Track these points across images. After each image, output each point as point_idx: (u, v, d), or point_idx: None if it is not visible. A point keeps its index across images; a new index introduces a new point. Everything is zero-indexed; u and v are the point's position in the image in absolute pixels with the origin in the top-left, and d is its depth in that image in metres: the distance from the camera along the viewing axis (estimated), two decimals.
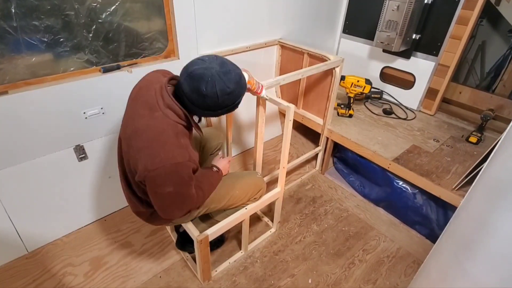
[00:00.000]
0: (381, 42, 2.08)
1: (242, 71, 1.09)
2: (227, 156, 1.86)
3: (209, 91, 0.95)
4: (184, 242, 1.58)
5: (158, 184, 0.99)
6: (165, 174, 0.97)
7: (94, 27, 1.38)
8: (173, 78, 1.11)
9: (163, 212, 1.08)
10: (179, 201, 1.06)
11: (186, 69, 0.99)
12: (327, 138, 2.11)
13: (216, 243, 1.66)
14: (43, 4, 1.23)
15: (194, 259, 1.54)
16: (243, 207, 1.45)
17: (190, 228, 1.34)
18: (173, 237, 1.71)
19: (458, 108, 2.31)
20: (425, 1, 1.97)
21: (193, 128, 1.12)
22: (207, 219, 1.49)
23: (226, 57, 1.88)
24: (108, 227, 1.77)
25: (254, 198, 1.45)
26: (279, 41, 2.13)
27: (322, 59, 1.86)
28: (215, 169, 1.33)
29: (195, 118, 1.14)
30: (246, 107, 2.17)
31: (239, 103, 1.09)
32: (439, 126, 2.12)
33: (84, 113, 1.48)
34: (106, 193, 1.76)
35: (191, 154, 1.04)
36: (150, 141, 0.98)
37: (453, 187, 1.55)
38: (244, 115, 2.22)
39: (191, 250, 1.59)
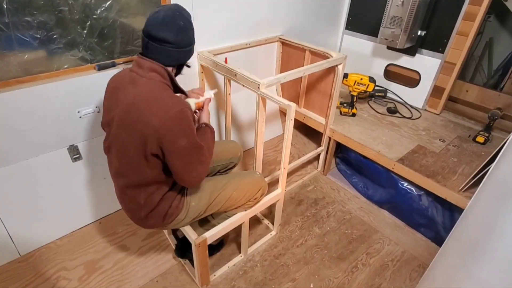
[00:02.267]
0: (385, 39, 2.08)
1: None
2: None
3: (185, 22, 1.08)
4: (185, 249, 1.57)
5: (172, 140, 1.02)
6: (173, 125, 1.01)
7: (88, 23, 1.38)
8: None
9: (188, 174, 1.10)
10: (196, 153, 1.09)
11: (154, 25, 1.06)
12: (330, 138, 2.12)
13: (216, 247, 1.67)
14: None
15: (192, 263, 1.54)
16: (244, 208, 1.44)
17: (188, 231, 1.34)
18: (170, 240, 1.71)
19: (464, 107, 2.31)
20: None
21: (176, 87, 1.16)
22: (205, 223, 1.49)
23: (225, 54, 1.89)
24: (103, 229, 1.77)
25: (255, 199, 1.44)
26: (279, 38, 2.12)
27: (324, 56, 1.86)
28: (203, 125, 1.29)
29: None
30: (245, 106, 2.19)
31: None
32: (445, 125, 2.12)
33: (78, 112, 1.48)
34: (101, 195, 1.76)
35: (184, 102, 1.10)
36: (145, 105, 1.02)
37: (460, 188, 1.55)
38: (244, 114, 2.22)
39: (191, 257, 1.59)
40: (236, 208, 1.42)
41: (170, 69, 1.13)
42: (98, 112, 1.54)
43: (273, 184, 2.02)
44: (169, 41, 1.06)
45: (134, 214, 1.24)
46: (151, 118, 1.00)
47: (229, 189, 1.35)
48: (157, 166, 1.11)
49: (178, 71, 1.22)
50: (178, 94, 1.16)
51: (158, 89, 1.06)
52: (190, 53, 1.16)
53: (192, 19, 1.13)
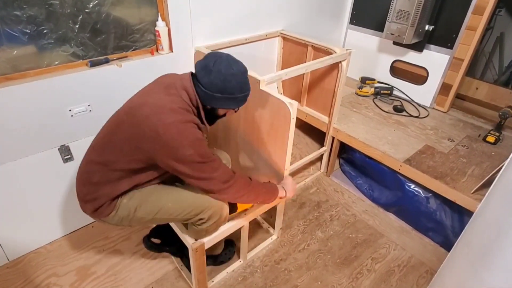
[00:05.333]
0: (391, 34, 2.08)
1: None
2: None
3: (216, 67, 1.10)
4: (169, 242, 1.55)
5: (175, 148, 1.05)
6: (177, 133, 1.05)
7: (80, 17, 1.38)
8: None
9: (206, 183, 1.15)
10: (207, 164, 1.12)
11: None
12: (333, 138, 2.12)
13: (226, 253, 1.64)
14: None
15: (188, 268, 1.54)
16: (199, 227, 1.29)
17: (185, 236, 1.34)
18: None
19: (474, 105, 2.31)
20: None
21: (200, 122, 1.18)
22: None
23: (223, 50, 1.89)
24: (95, 234, 1.77)
25: (201, 219, 1.25)
26: (281, 33, 2.12)
27: (327, 52, 1.86)
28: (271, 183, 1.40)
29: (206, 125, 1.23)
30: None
31: (244, 97, 1.20)
32: (454, 124, 2.12)
33: (70, 110, 1.48)
34: None
35: (196, 119, 1.15)
36: (159, 109, 1.07)
37: (472, 192, 1.54)
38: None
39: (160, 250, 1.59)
40: (169, 221, 1.34)
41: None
42: (90, 111, 1.54)
43: None
44: (194, 73, 1.15)
45: (81, 189, 1.25)
46: (157, 123, 1.04)
47: (165, 198, 1.24)
48: (136, 162, 1.14)
49: (206, 115, 1.21)
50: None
51: (180, 106, 1.10)
52: (210, 98, 1.14)
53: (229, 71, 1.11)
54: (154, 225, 1.60)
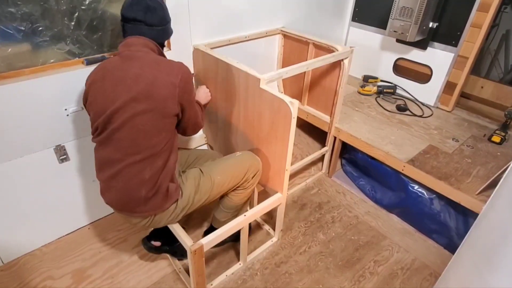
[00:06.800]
0: (395, 31, 2.08)
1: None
2: None
3: (154, 3, 1.19)
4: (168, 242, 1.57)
5: (188, 91, 1.19)
6: (188, 77, 1.18)
7: (76, 14, 1.38)
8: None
9: (196, 120, 1.30)
10: (198, 105, 1.34)
11: (125, 8, 1.19)
12: (335, 138, 2.12)
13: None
14: None
15: (187, 271, 1.54)
16: (243, 193, 1.49)
17: (181, 235, 1.34)
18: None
19: (479, 104, 2.31)
20: None
21: None
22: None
23: (223, 48, 1.89)
24: (92, 236, 1.77)
25: (246, 180, 1.46)
26: (281, 30, 2.12)
27: (329, 50, 1.86)
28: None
29: None
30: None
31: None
32: (459, 124, 2.12)
33: (66, 109, 1.48)
34: (90, 198, 1.76)
35: None
36: (155, 69, 1.14)
37: (477, 193, 1.54)
38: None
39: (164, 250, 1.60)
40: (229, 192, 1.47)
41: None
42: None
43: None
44: (139, 20, 1.18)
45: (132, 196, 1.19)
46: (167, 77, 1.13)
47: (213, 174, 1.37)
48: (172, 127, 1.22)
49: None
50: None
51: (160, 57, 1.21)
52: (164, 32, 1.27)
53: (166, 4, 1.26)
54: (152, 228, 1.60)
